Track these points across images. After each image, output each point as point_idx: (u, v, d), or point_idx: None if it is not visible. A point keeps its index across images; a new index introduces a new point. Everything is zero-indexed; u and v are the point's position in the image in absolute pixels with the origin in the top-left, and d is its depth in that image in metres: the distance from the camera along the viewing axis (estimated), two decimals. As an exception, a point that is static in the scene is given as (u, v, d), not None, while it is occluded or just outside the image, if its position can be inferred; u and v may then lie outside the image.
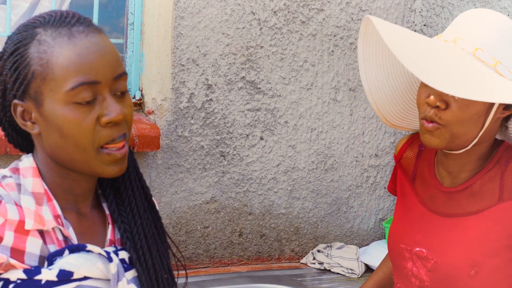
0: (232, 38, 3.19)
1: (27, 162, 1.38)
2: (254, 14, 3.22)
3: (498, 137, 1.82)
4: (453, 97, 1.63)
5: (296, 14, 3.33)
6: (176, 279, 1.54)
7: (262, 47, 3.26)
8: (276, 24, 3.28)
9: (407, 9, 3.63)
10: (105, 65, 1.31)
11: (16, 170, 1.37)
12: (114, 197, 1.46)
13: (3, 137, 2.66)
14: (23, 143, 1.45)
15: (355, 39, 3.50)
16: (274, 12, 3.27)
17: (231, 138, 3.25)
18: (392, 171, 2.03)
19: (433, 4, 3.55)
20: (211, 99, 3.19)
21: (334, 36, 3.45)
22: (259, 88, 3.28)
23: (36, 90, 1.31)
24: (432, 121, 1.67)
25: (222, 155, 3.24)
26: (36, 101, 1.31)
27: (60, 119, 1.30)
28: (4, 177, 1.34)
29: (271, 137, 3.34)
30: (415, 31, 3.59)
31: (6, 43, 1.37)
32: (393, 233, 1.89)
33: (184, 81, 3.12)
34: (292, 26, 3.33)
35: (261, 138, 3.32)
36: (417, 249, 1.79)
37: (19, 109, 1.34)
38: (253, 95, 3.27)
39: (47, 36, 1.30)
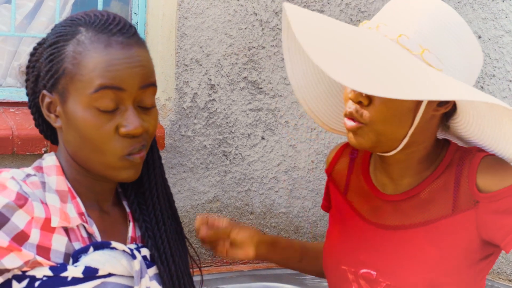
0: (234, 39, 3.21)
1: (50, 160, 1.38)
2: (256, 15, 3.25)
3: (442, 136, 1.63)
4: None
5: (297, 15, 3.36)
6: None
7: (263, 47, 3.29)
8: (277, 25, 3.31)
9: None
10: (133, 76, 1.31)
11: (39, 169, 1.37)
12: (135, 196, 1.46)
13: (10, 137, 2.71)
14: (48, 131, 1.46)
15: (354, 40, 3.54)
16: (276, 13, 3.30)
17: (233, 138, 3.27)
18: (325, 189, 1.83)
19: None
20: (213, 99, 3.21)
21: (334, 37, 3.48)
22: (261, 88, 3.30)
23: (64, 86, 1.32)
24: (353, 119, 1.48)
25: (224, 155, 3.26)
26: (62, 97, 1.32)
27: (80, 121, 1.30)
28: (28, 175, 1.33)
29: (272, 136, 3.37)
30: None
31: (52, 30, 1.38)
32: (331, 253, 1.67)
33: (187, 81, 3.14)
34: (293, 27, 3.36)
35: (263, 138, 3.34)
36: (364, 270, 1.57)
37: (47, 100, 1.35)
38: (254, 95, 3.29)
39: (86, 38, 1.31)
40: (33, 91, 1.40)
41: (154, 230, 1.43)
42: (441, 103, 1.47)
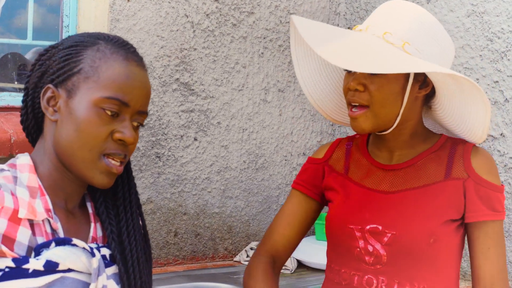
0: (166, 41, 3.22)
1: (24, 159, 1.47)
2: (187, 17, 3.26)
3: (425, 120, 1.96)
4: (370, 79, 1.76)
5: (228, 17, 3.39)
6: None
7: (195, 49, 3.31)
8: (208, 26, 3.33)
9: (332, 12, 3.75)
10: (140, 96, 1.47)
11: (13, 166, 1.46)
12: (103, 199, 1.57)
13: (7, 140, 2.66)
14: (33, 128, 1.55)
15: (284, 41, 3.60)
16: (207, 15, 3.32)
17: (166, 140, 3.28)
18: (305, 170, 2.08)
19: (357, 7, 3.68)
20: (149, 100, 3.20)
21: (264, 38, 3.53)
22: (193, 90, 3.32)
23: (75, 84, 1.44)
24: (355, 106, 1.80)
25: (157, 156, 3.26)
26: (70, 93, 1.44)
27: (83, 116, 1.42)
28: (2, 170, 1.43)
29: (204, 137, 3.39)
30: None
31: (65, 39, 1.52)
32: (336, 216, 1.92)
33: (120, 83, 3.13)
34: (224, 28, 3.39)
35: (195, 139, 3.36)
36: (370, 226, 1.83)
37: (49, 93, 1.47)
38: (187, 97, 3.31)
39: (106, 49, 1.47)
40: (35, 85, 1.50)
41: (122, 231, 1.54)
42: (422, 86, 1.82)
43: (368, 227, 1.83)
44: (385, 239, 1.81)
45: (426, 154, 1.88)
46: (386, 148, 1.92)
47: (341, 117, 2.11)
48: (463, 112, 1.82)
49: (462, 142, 1.89)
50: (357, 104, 1.80)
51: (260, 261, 2.00)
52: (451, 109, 1.84)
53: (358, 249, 1.85)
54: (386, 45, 1.74)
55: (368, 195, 1.89)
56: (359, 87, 1.78)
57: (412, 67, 1.65)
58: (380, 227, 1.81)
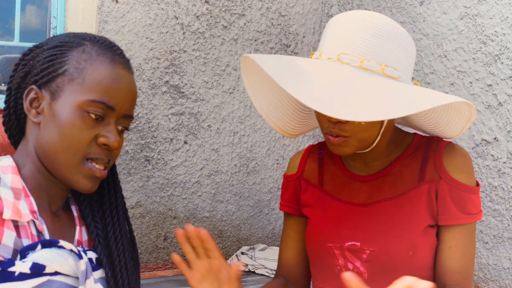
0: (155, 43, 3.19)
1: (6, 161, 1.43)
2: (177, 19, 3.23)
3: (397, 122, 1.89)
4: None
5: (218, 19, 3.36)
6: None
7: (185, 51, 3.27)
8: (199, 28, 3.30)
9: (324, 14, 3.71)
10: (126, 100, 1.42)
11: None
12: (88, 202, 1.52)
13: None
14: (16, 129, 1.51)
15: (275, 43, 3.56)
16: (197, 16, 3.28)
17: (155, 143, 3.24)
18: (285, 190, 1.99)
19: (349, 10, 3.65)
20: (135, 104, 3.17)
21: (255, 40, 3.49)
22: (183, 93, 3.28)
23: (59, 85, 1.39)
24: (337, 136, 1.69)
25: (146, 160, 3.23)
26: (53, 95, 1.39)
27: (67, 119, 1.38)
28: None
29: (194, 141, 3.35)
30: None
31: (50, 38, 1.46)
32: (315, 235, 1.85)
33: (108, 86, 3.09)
34: (215, 30, 3.35)
35: (185, 142, 3.32)
36: (348, 243, 1.77)
37: (32, 95, 1.42)
38: (176, 99, 3.27)
39: (92, 50, 1.41)
40: (18, 86, 1.45)
41: (109, 236, 1.50)
42: None
43: (346, 244, 1.77)
44: (364, 256, 1.76)
45: (402, 159, 1.80)
46: (360, 160, 1.84)
47: (300, 129, 2.00)
48: (445, 118, 1.76)
49: (437, 140, 1.81)
50: (337, 135, 1.69)
51: (272, 281, 2.00)
52: (431, 118, 1.78)
53: (339, 267, 1.80)
54: (368, 76, 1.61)
55: (344, 209, 1.82)
56: (342, 119, 1.63)
57: (415, 108, 1.54)
58: (358, 244, 1.76)
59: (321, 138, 3.79)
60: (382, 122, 1.70)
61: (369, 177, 1.81)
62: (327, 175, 1.90)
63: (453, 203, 1.73)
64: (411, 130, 2.03)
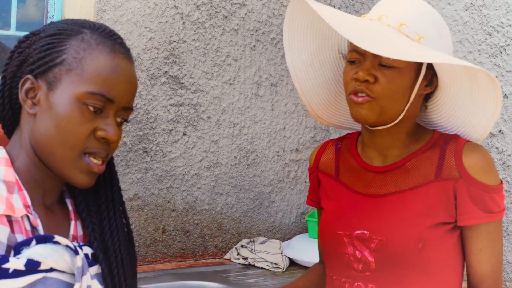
0: (154, 33, 3.14)
1: None
2: (177, 8, 3.18)
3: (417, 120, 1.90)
4: (381, 71, 1.69)
5: (219, 9, 3.31)
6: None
7: (185, 41, 3.22)
8: (199, 18, 3.25)
9: (327, 5, 3.65)
10: (126, 92, 1.38)
11: None
12: (84, 197, 1.48)
13: None
14: (10, 120, 1.46)
15: (277, 34, 3.51)
16: (197, 6, 3.23)
17: (154, 134, 3.19)
18: (311, 183, 2.05)
19: (352, 0, 3.60)
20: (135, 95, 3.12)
21: (256, 31, 3.44)
22: (182, 83, 3.24)
23: (56, 76, 1.34)
24: (361, 96, 1.71)
25: (145, 151, 3.18)
26: (50, 86, 1.34)
27: (64, 111, 1.33)
28: None
29: (194, 132, 3.31)
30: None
31: (47, 25, 1.41)
32: (327, 223, 1.88)
33: (106, 76, 3.05)
34: (215, 20, 3.30)
35: (184, 134, 3.28)
36: (358, 232, 1.78)
37: (28, 85, 1.37)
38: (176, 90, 3.22)
39: (92, 39, 1.36)
40: (14, 75, 1.41)
41: (105, 231, 1.46)
42: (428, 84, 1.77)
43: (356, 232, 1.79)
44: (373, 245, 1.76)
45: (418, 153, 1.80)
46: (378, 148, 1.85)
47: (331, 117, 2.04)
48: (467, 112, 1.76)
49: (455, 138, 1.80)
50: (363, 94, 1.72)
51: (315, 264, 2.14)
52: (452, 110, 1.79)
53: (347, 255, 1.81)
54: (403, 37, 1.68)
55: (357, 199, 1.84)
56: (369, 77, 1.70)
57: (439, 58, 1.58)
58: (367, 233, 1.77)
59: (321, 130, 3.74)
60: (409, 97, 1.72)
61: (384, 168, 1.82)
62: (343, 166, 1.93)
63: (473, 202, 1.73)
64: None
